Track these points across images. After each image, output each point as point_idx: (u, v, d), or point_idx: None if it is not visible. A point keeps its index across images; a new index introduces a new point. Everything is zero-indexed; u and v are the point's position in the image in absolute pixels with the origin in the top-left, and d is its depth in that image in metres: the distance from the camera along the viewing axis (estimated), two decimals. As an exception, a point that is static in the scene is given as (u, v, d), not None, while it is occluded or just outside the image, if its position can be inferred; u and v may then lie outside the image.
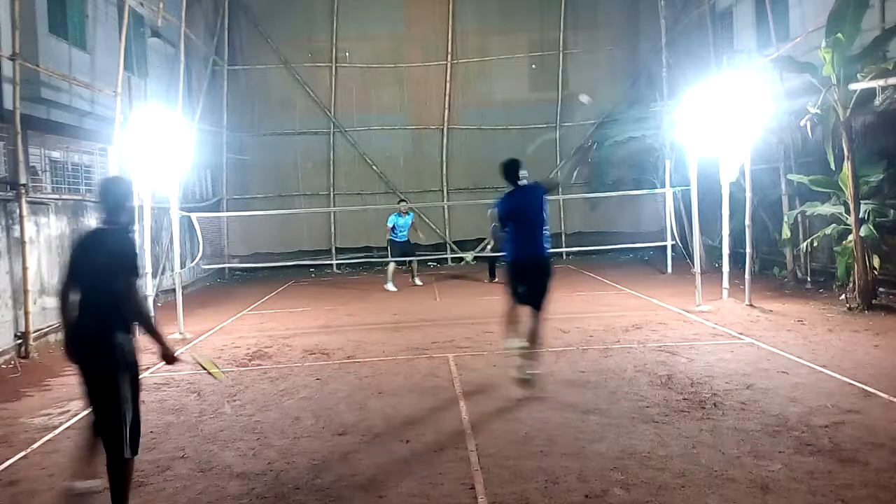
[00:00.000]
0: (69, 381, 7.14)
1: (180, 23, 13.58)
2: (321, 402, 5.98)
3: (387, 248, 14.28)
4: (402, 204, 14.44)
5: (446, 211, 18.21)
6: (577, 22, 18.12)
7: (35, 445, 5.16)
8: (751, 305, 9.60)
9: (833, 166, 9.53)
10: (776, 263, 12.77)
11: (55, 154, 10.52)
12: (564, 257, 16.97)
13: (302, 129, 18.08)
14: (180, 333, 9.30)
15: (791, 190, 11.74)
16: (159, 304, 11.64)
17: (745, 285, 9.94)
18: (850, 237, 9.15)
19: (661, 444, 4.60)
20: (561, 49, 18.14)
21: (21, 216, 8.46)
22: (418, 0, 18.16)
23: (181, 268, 10.42)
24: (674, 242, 14.19)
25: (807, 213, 10.76)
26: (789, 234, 11.32)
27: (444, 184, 18.33)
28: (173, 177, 9.69)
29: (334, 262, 17.50)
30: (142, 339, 3.86)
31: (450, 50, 18.05)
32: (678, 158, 13.14)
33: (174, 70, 13.78)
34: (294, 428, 5.27)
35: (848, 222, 9.23)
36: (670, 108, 13.01)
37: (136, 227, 4.00)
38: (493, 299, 11.81)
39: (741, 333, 8.02)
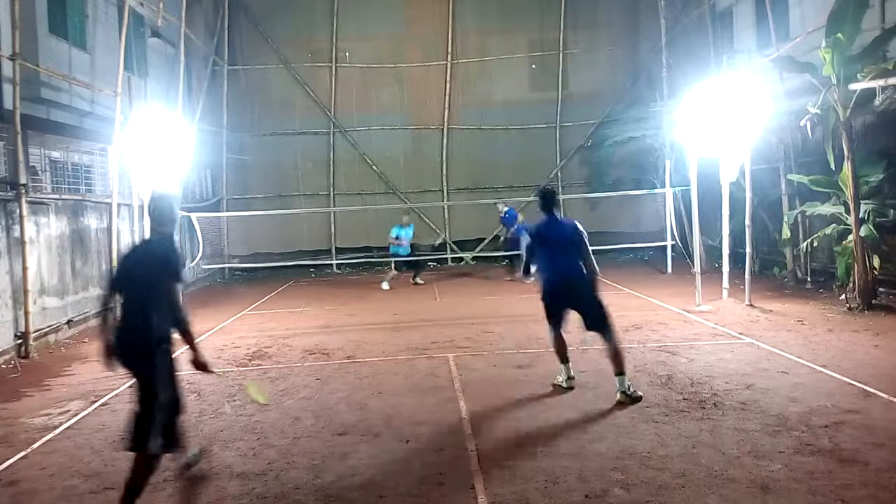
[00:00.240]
0: (69, 381, 7.15)
1: (180, 23, 13.58)
2: (321, 402, 5.98)
3: (388, 251, 14.41)
4: (406, 217, 14.60)
5: (446, 211, 18.22)
6: (577, 22, 18.13)
7: (35, 445, 5.16)
8: (751, 305, 9.60)
9: (833, 166, 9.53)
10: (776, 263, 12.77)
11: (55, 154, 10.53)
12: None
13: (302, 129, 18.09)
14: (180, 333, 9.28)
15: (791, 190, 11.75)
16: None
17: (745, 285, 9.94)
18: (850, 237, 9.15)
19: (661, 444, 4.60)
20: (561, 49, 18.15)
21: (21, 216, 8.46)
22: (418, 0, 18.17)
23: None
24: (674, 242, 14.20)
25: (807, 213, 10.77)
26: (789, 234, 11.32)
27: (444, 184, 18.34)
28: (173, 177, 9.69)
29: (334, 262, 17.51)
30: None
31: (450, 50, 18.06)
32: (678, 158, 13.15)
33: (174, 70, 13.79)
34: (294, 428, 5.27)
35: (848, 222, 9.23)
36: (670, 108, 13.02)
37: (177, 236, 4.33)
38: (493, 299, 11.84)
39: (741, 333, 8.02)
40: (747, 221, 10.19)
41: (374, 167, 18.17)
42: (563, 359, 6.11)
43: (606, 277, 13.66)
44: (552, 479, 4.14)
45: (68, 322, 9.67)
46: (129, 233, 10.80)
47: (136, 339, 3.98)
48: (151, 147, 9.08)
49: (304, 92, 18.02)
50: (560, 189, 18.05)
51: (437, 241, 16.90)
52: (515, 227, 13.93)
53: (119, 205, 11.13)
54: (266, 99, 18.19)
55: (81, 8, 11.05)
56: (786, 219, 11.33)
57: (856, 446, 4.41)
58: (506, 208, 14.44)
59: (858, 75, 8.71)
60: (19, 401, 6.49)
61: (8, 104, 8.60)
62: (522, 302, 10.64)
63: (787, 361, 6.65)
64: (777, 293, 10.92)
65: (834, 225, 9.68)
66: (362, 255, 17.82)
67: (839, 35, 8.55)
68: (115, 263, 4.30)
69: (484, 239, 18.09)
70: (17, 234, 8.45)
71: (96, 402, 6.27)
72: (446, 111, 18.23)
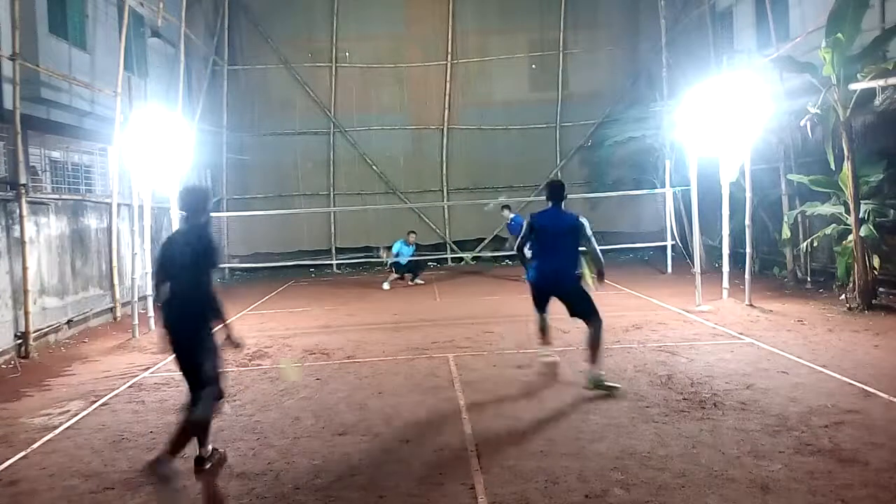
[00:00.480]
0: (69, 381, 7.16)
1: (180, 23, 13.58)
2: (321, 402, 5.98)
3: (387, 260, 14.61)
4: (412, 235, 14.63)
5: (446, 211, 18.21)
6: (577, 22, 18.12)
7: (35, 445, 5.15)
8: (751, 305, 9.60)
9: (833, 166, 9.53)
10: (776, 263, 12.77)
11: (55, 154, 10.53)
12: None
13: (302, 129, 18.08)
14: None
15: (791, 190, 11.75)
16: (159, 304, 11.62)
17: (745, 285, 9.93)
18: (850, 237, 9.15)
19: (661, 444, 4.59)
20: (561, 49, 18.14)
21: (21, 216, 8.46)
22: (418, 0, 18.16)
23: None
24: (674, 242, 14.20)
25: (807, 213, 10.77)
26: (789, 234, 11.32)
27: (444, 184, 18.33)
28: (173, 177, 9.69)
29: (334, 262, 17.51)
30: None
31: (450, 50, 18.05)
32: (678, 158, 13.16)
33: (174, 70, 13.79)
34: (294, 428, 5.27)
35: (848, 222, 9.23)
36: (670, 108, 13.02)
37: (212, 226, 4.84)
38: (493, 299, 11.84)
39: (741, 333, 8.02)
40: (747, 221, 10.18)
41: (374, 167, 18.17)
42: (546, 340, 6.49)
43: (606, 277, 13.69)
44: (552, 479, 4.13)
45: (68, 322, 9.67)
46: (128, 233, 10.79)
47: (181, 319, 4.45)
48: (151, 147, 9.07)
49: (304, 92, 18.02)
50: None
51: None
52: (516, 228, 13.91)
53: (119, 205, 11.14)
54: (266, 99, 18.17)
55: (81, 8, 11.05)
56: (786, 219, 11.33)
57: (856, 446, 4.41)
58: (511, 215, 14.30)
59: (858, 75, 8.70)
60: (19, 401, 6.49)
61: (8, 104, 8.60)
62: (522, 302, 10.60)
63: (787, 361, 6.65)
64: (777, 293, 10.92)
65: (834, 225, 9.68)
66: (362, 255, 17.81)
67: (839, 35, 8.55)
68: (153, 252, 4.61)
69: (484, 239, 18.10)
70: (17, 234, 8.45)
71: (96, 402, 6.26)
72: (446, 111, 18.22)
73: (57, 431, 5.47)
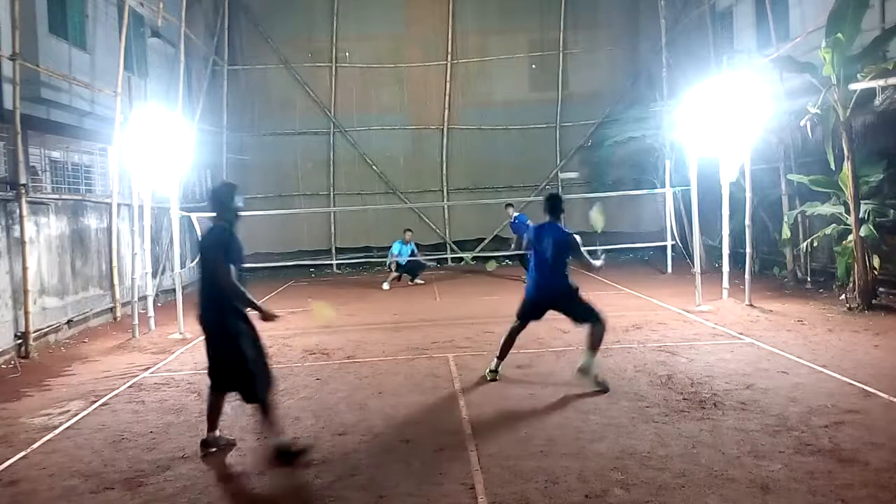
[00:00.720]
0: (69, 381, 7.16)
1: (180, 23, 13.58)
2: (321, 402, 5.98)
3: (388, 262, 14.57)
4: (408, 233, 14.59)
5: (446, 211, 18.21)
6: (577, 22, 18.13)
7: (35, 445, 5.16)
8: (751, 305, 9.60)
9: (833, 166, 9.53)
10: (776, 263, 12.77)
11: (55, 154, 10.53)
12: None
13: (302, 129, 18.08)
14: (180, 333, 9.29)
15: (791, 190, 11.75)
16: (159, 304, 11.63)
17: (745, 285, 9.93)
18: (850, 237, 9.15)
19: (661, 444, 4.59)
20: (561, 49, 18.14)
21: (21, 216, 8.46)
22: (418, 0, 18.16)
23: (181, 268, 10.41)
24: (674, 242, 14.20)
25: (807, 213, 10.76)
26: (789, 234, 11.32)
27: (444, 184, 18.33)
28: (173, 177, 9.68)
29: (334, 262, 17.51)
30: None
31: (450, 50, 18.05)
32: (678, 158, 13.15)
33: (174, 70, 13.79)
34: (294, 428, 5.26)
35: (848, 222, 9.23)
36: (670, 108, 13.02)
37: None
38: (492, 299, 11.83)
39: (741, 333, 8.02)
40: (747, 221, 10.18)
41: (374, 167, 18.17)
42: (503, 353, 6.48)
43: (606, 277, 13.70)
44: (552, 479, 4.13)
45: (68, 322, 9.67)
46: (128, 233, 10.80)
47: (206, 313, 4.73)
48: (151, 147, 9.06)
49: (304, 92, 18.02)
50: (560, 189, 18.08)
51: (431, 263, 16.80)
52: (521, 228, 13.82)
53: (119, 205, 11.14)
54: (266, 99, 18.17)
55: (81, 8, 11.04)
56: (786, 219, 11.33)
57: (856, 446, 4.41)
58: (516, 213, 14.23)
59: (858, 75, 8.70)
60: (19, 401, 6.49)
61: (8, 104, 8.60)
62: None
63: (787, 361, 6.65)
64: (777, 293, 10.92)
65: (834, 225, 9.68)
66: (362, 255, 17.81)
67: (839, 35, 8.55)
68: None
69: (484, 239, 18.10)
70: (17, 234, 8.45)
71: (96, 402, 6.26)
72: (446, 111, 18.22)
73: (57, 431, 5.47)
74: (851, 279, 9.23)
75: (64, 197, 10.03)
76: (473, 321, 9.60)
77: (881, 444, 4.43)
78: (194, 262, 14.17)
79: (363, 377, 6.83)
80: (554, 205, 6.34)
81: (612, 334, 8.17)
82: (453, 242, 18.20)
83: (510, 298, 11.64)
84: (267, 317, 4.71)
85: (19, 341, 8.31)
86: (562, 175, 12.16)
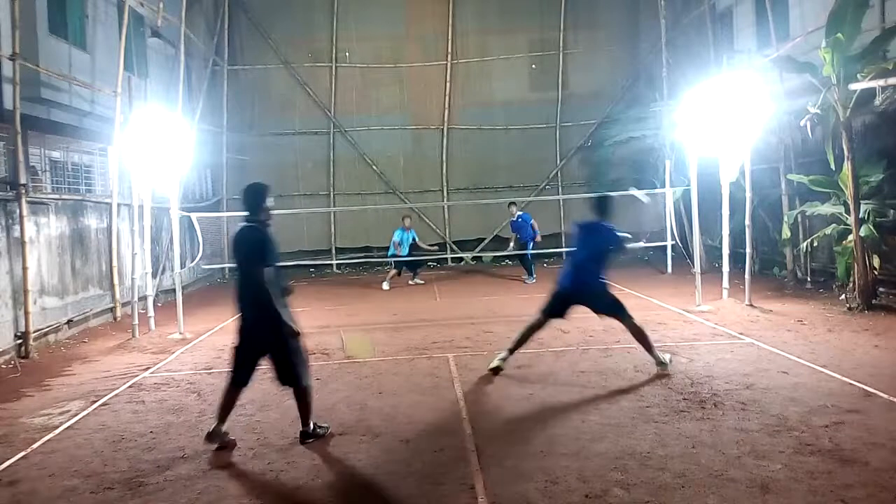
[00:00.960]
0: (69, 381, 7.16)
1: (180, 23, 13.58)
2: (321, 402, 5.95)
3: (388, 252, 14.47)
4: (406, 220, 14.57)
5: (446, 211, 18.21)
6: (577, 22, 18.12)
7: (35, 445, 5.15)
8: (751, 305, 9.60)
9: (833, 166, 9.53)
10: (776, 263, 12.77)
11: (55, 154, 10.53)
12: (564, 257, 16.97)
13: (302, 129, 18.08)
14: (180, 333, 9.29)
15: (791, 190, 11.74)
16: (159, 304, 11.63)
17: (745, 285, 9.93)
18: (850, 237, 9.14)
19: (661, 444, 4.59)
20: (561, 49, 18.13)
21: (21, 216, 8.46)
22: (418, 0, 18.16)
23: (181, 268, 10.41)
24: (674, 242, 14.19)
25: (807, 213, 10.76)
26: (789, 234, 11.31)
27: (444, 184, 18.33)
28: (173, 177, 9.68)
29: (334, 262, 17.51)
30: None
31: (450, 50, 18.04)
32: (678, 158, 13.15)
33: (174, 70, 13.79)
34: (294, 428, 5.25)
35: (848, 222, 9.23)
36: (670, 108, 13.01)
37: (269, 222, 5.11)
38: (493, 299, 11.84)
39: (741, 333, 8.02)
40: (747, 221, 10.18)
41: (374, 167, 18.17)
42: (517, 345, 6.62)
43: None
44: (552, 479, 4.13)
45: (68, 322, 9.67)
46: (129, 233, 10.80)
47: (242, 310, 4.88)
48: (151, 147, 9.06)
49: (304, 92, 18.01)
50: (560, 189, 18.10)
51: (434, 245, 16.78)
52: (525, 229, 13.80)
53: (119, 205, 11.14)
54: (266, 99, 18.17)
55: (81, 8, 11.05)
56: (786, 219, 11.32)
57: (856, 446, 4.41)
58: (519, 212, 14.20)
59: (858, 75, 8.70)
60: (19, 401, 6.49)
61: (8, 104, 8.60)
62: (522, 302, 10.65)
63: (787, 361, 6.65)
64: (777, 293, 10.92)
65: (834, 225, 9.67)
66: (362, 255, 17.82)
67: (839, 35, 8.54)
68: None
69: (484, 239, 18.10)
70: (17, 234, 8.45)
71: (96, 402, 6.26)
72: (446, 111, 18.22)
73: (57, 431, 5.47)
74: (851, 279, 9.23)
75: (64, 197, 10.03)
76: (473, 321, 9.61)
77: (881, 444, 4.43)
78: (194, 261, 14.20)
79: (363, 377, 6.83)
80: (605, 205, 6.61)
81: (613, 334, 8.19)
82: (453, 242, 18.20)
83: (510, 298, 11.71)
84: (290, 331, 4.82)
85: (19, 341, 8.31)
86: (634, 192, 12.42)
